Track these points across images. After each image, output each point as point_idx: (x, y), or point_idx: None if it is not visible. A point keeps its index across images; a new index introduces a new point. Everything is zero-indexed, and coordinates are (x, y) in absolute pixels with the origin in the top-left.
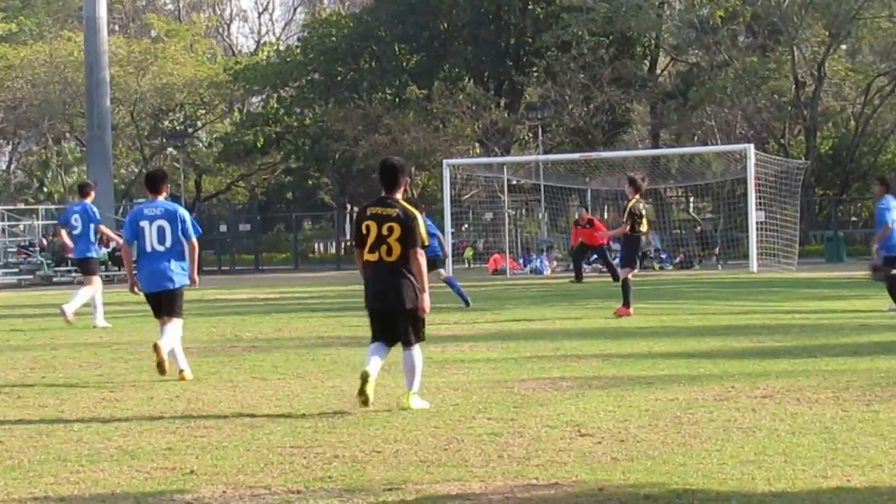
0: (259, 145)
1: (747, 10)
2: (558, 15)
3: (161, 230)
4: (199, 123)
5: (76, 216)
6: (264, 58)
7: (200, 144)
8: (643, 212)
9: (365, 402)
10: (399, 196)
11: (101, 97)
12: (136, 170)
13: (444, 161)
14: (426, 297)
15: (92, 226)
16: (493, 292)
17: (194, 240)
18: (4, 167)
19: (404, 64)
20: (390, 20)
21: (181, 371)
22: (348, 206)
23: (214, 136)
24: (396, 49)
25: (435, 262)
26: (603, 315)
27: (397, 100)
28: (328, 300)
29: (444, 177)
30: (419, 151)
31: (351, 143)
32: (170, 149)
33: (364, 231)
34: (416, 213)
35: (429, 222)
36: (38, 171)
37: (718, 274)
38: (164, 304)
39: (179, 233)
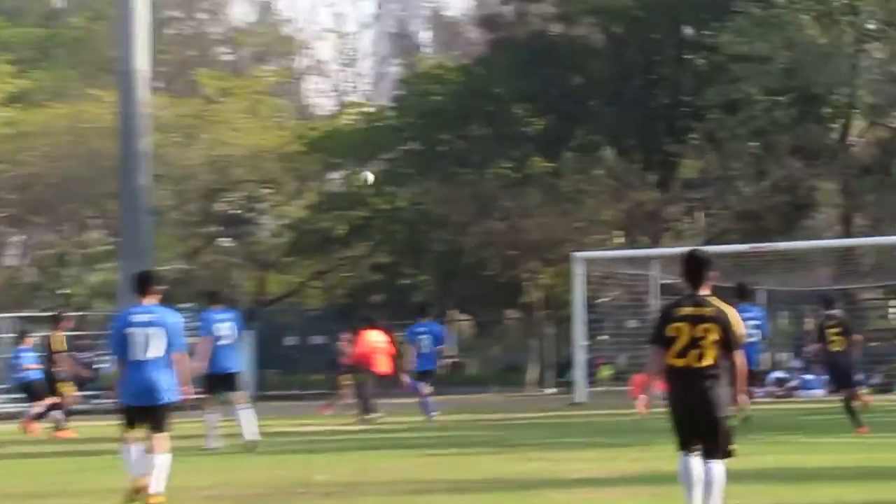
0: (340, 234)
1: None
2: (724, 67)
3: (148, 338)
4: (264, 206)
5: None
6: (348, 122)
7: (265, 233)
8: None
9: None
10: (706, 292)
11: (138, 173)
12: (183, 266)
13: (575, 254)
14: (744, 397)
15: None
16: (638, 423)
17: (181, 353)
18: (14, 262)
19: (526, 129)
20: (509, 74)
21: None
22: (455, 312)
23: (283, 222)
24: (517, 110)
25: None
26: (767, 450)
27: (517, 175)
28: (426, 433)
29: (576, 274)
30: (544, 241)
31: (458, 231)
32: (225, 239)
33: (673, 333)
34: (732, 309)
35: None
36: (54, 267)
37: None
38: (151, 418)
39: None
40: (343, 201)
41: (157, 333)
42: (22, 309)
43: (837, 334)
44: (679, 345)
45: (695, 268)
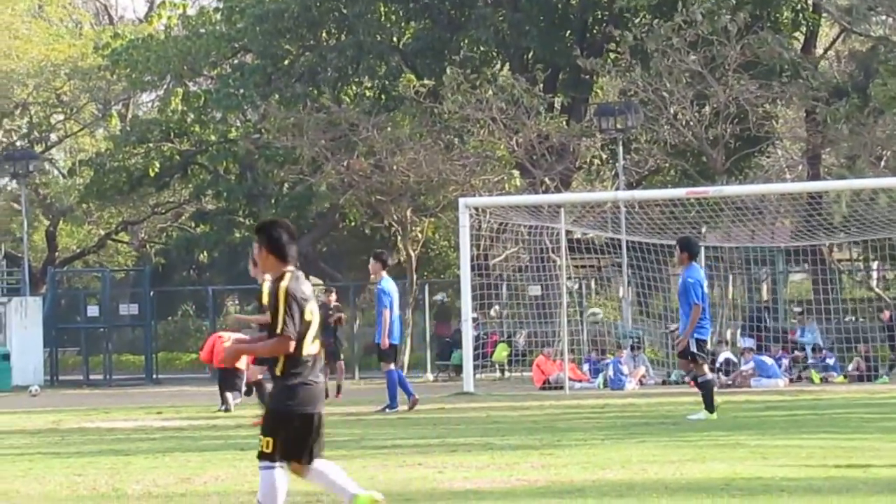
0: (153, 173)
1: None
2: None
3: None
4: (54, 137)
5: None
6: (161, 28)
7: (55, 172)
8: None
9: None
10: None
11: None
12: None
13: (461, 200)
14: None
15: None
16: (543, 420)
17: None
18: None
19: (395, 39)
20: None
21: None
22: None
23: (79, 156)
24: (382, 13)
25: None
26: (723, 456)
27: (383, 98)
28: None
29: (462, 226)
30: (419, 184)
31: (307, 170)
32: (4, 179)
33: (310, 316)
34: None
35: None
36: None
37: None
38: None
39: None
40: (157, 131)
41: None
42: None
43: None
44: (315, 329)
45: (287, 239)
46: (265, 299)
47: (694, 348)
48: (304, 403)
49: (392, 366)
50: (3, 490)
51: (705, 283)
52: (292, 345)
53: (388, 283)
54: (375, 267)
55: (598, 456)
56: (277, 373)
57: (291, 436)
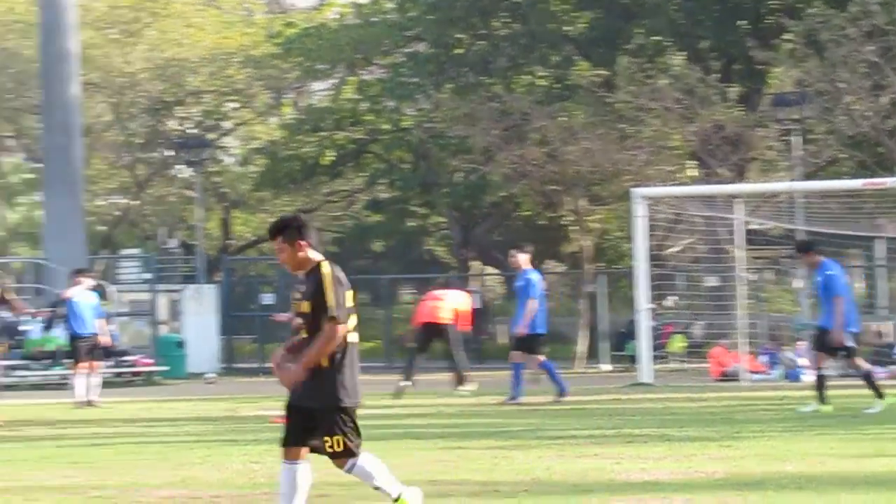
0: (326, 161)
1: None
2: None
3: None
4: (227, 125)
5: None
6: (334, 17)
7: (229, 160)
8: None
9: None
10: None
11: (64, 80)
12: (126, 201)
13: (636, 190)
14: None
15: None
16: (720, 411)
17: None
18: None
19: (568, 28)
20: None
21: None
22: (473, 265)
23: (252, 145)
24: (554, 2)
25: None
26: None
27: (556, 87)
28: (444, 420)
29: (636, 216)
30: (593, 174)
31: (480, 159)
32: (179, 166)
33: (351, 302)
34: None
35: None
36: None
37: None
38: None
39: None
40: (330, 119)
41: None
42: None
43: None
44: (355, 317)
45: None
46: None
47: (850, 342)
48: (355, 395)
49: (542, 357)
50: (182, 477)
51: (844, 276)
52: (343, 329)
53: (535, 275)
54: (522, 259)
55: (777, 448)
56: (325, 364)
57: (351, 428)
